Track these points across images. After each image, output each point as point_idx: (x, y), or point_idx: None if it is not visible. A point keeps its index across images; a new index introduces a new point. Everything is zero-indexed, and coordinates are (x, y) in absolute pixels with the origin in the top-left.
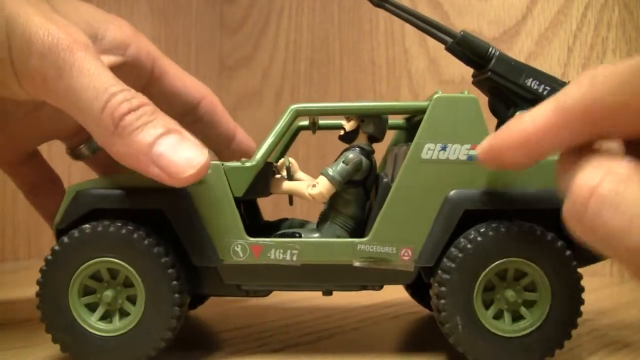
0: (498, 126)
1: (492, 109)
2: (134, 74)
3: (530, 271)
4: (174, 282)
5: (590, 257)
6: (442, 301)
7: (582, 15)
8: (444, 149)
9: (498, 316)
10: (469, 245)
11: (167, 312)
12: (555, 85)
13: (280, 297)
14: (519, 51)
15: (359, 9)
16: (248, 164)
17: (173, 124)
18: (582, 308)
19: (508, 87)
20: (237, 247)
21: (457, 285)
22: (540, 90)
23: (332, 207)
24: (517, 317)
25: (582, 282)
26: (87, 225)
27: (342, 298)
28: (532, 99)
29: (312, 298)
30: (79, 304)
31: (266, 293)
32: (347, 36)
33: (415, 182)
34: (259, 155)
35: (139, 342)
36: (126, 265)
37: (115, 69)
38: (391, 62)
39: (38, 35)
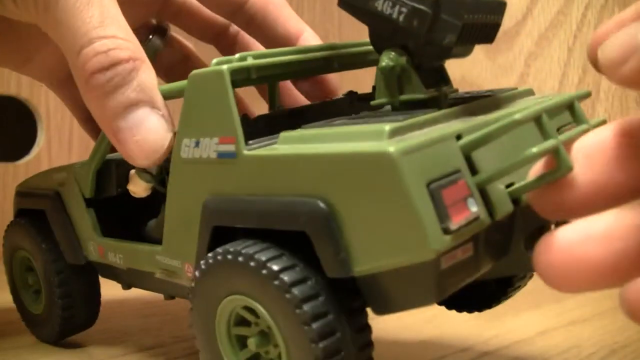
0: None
1: (374, 45)
2: None
3: (256, 309)
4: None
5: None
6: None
7: (582, 15)
8: (197, 144)
9: None
10: (192, 284)
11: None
12: (416, 2)
13: None
14: (519, 51)
15: None
16: (85, 164)
17: (149, 90)
18: (582, 309)
19: (360, 18)
20: (91, 246)
21: (201, 340)
22: (395, 15)
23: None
24: None
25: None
26: None
27: None
28: (392, 29)
29: None
30: None
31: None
32: (347, 36)
33: (180, 186)
34: (92, 154)
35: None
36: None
37: None
38: None
39: None
